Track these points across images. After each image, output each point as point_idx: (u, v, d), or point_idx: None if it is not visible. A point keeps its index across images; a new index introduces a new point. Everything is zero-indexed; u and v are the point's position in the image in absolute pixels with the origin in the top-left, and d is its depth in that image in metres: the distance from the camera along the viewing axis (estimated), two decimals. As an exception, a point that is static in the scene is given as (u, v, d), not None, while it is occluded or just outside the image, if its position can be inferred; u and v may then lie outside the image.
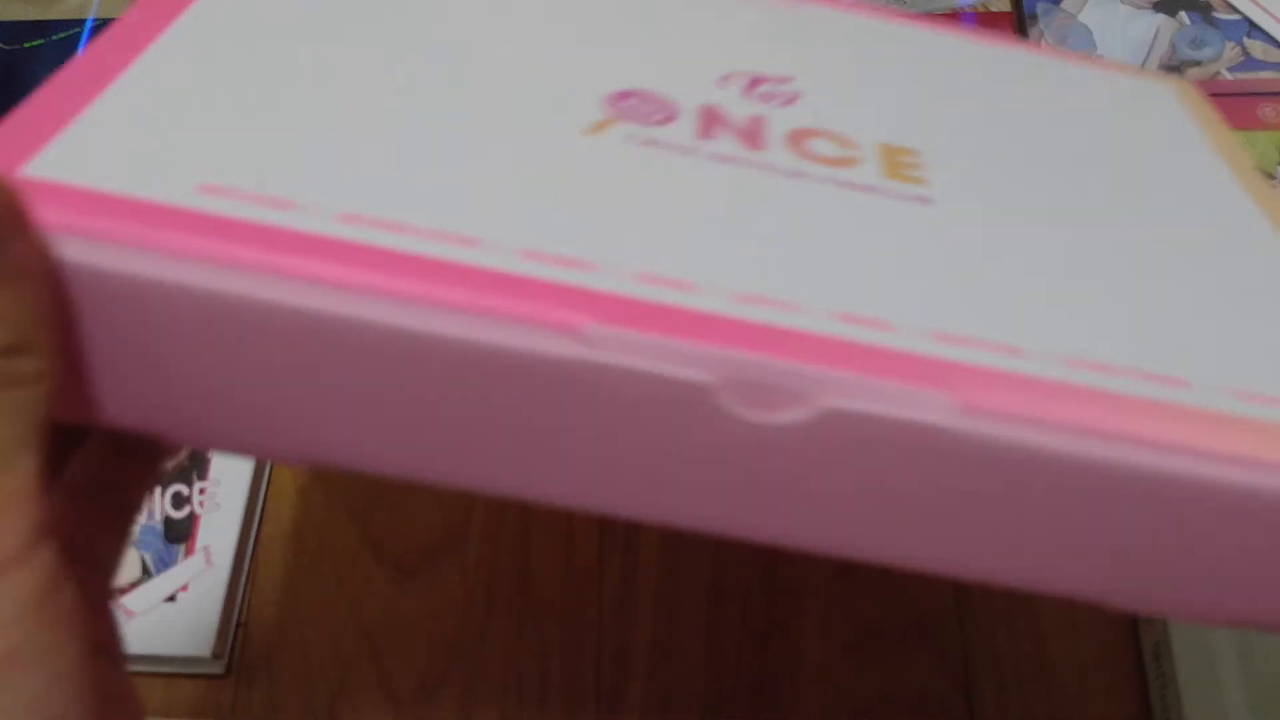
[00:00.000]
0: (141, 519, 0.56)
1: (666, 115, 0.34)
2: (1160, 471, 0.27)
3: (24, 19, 0.73)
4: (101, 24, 0.72)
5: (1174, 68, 0.67)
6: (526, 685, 0.52)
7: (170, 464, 0.57)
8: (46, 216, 0.24)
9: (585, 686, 0.52)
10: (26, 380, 0.21)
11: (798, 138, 0.35)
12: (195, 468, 0.57)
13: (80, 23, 0.72)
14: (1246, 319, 0.33)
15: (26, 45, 0.71)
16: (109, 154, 0.26)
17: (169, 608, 0.54)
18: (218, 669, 0.53)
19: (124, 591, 0.54)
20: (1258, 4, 0.69)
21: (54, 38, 0.72)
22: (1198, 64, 0.67)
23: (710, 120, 0.35)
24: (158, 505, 0.56)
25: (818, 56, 0.40)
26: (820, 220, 0.31)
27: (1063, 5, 0.70)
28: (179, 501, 0.56)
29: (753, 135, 0.34)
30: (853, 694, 0.51)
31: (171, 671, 0.53)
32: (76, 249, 0.23)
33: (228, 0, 0.33)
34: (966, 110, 0.40)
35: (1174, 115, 0.46)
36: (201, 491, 0.56)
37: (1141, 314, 0.32)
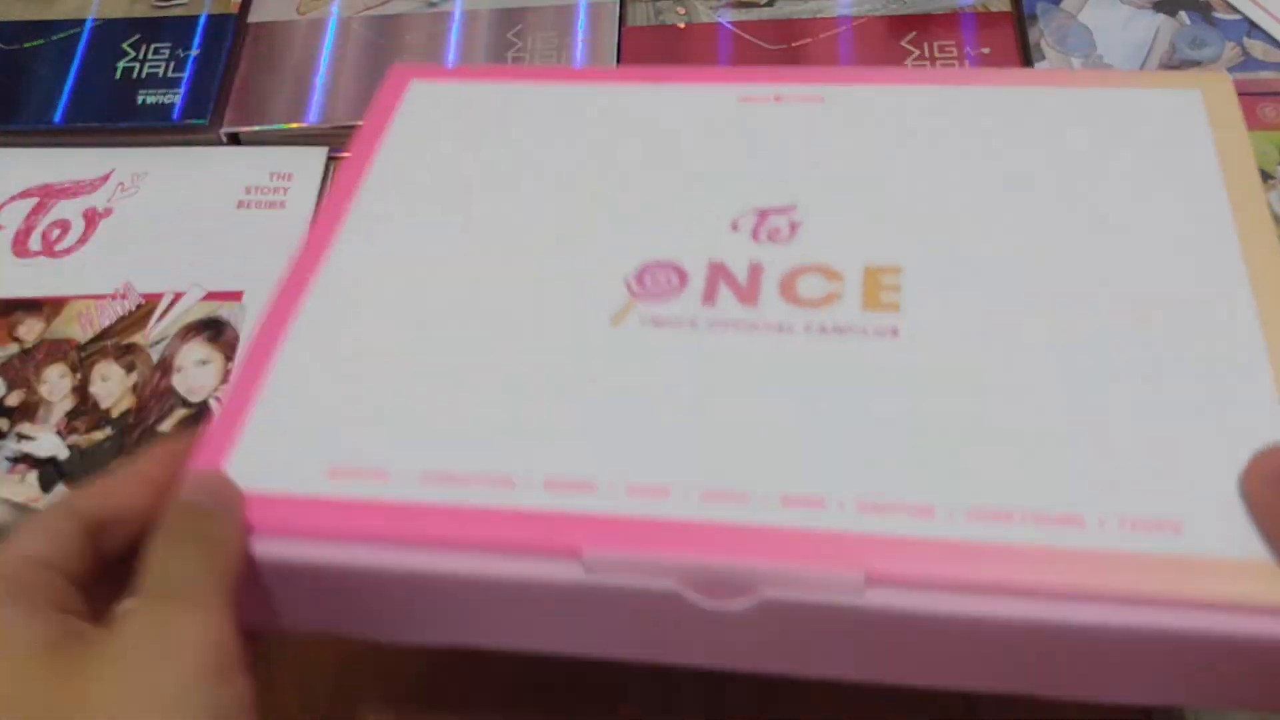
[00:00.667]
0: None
1: (678, 284, 0.43)
2: (1048, 620, 0.33)
3: (24, 19, 0.72)
4: (101, 24, 0.71)
5: (1173, 68, 0.66)
6: (527, 689, 0.52)
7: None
8: None
9: (588, 689, 0.51)
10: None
11: (790, 280, 0.42)
12: (194, 468, 0.56)
13: (80, 23, 0.72)
14: (1145, 443, 0.37)
15: (26, 45, 0.71)
16: (267, 459, 0.38)
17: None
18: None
19: (122, 592, 0.53)
20: (1257, 4, 0.68)
21: (54, 38, 0.71)
22: (1197, 64, 0.67)
23: (715, 278, 0.43)
24: (156, 505, 0.55)
25: (817, 179, 0.46)
26: (788, 390, 0.39)
27: (1062, 5, 0.70)
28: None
29: (751, 291, 0.42)
30: (854, 691, 0.50)
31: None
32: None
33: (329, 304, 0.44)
34: (953, 211, 0.44)
35: (1186, 151, 0.46)
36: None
37: (1047, 450, 0.37)
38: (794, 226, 0.45)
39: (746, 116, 0.49)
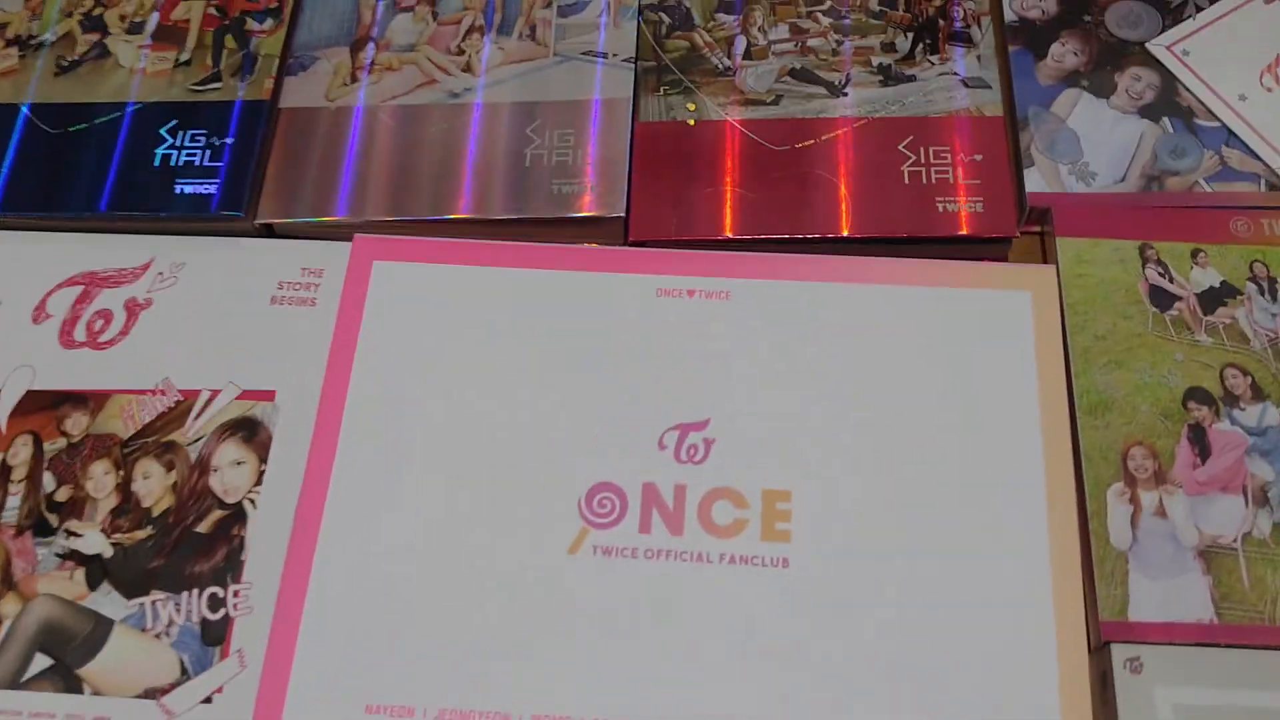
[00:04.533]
0: (179, 620, 0.56)
1: (620, 512, 0.55)
2: None
3: (67, 100, 0.72)
4: (140, 109, 0.71)
5: (1154, 177, 0.66)
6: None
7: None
8: None
9: None
10: None
11: (706, 505, 0.55)
12: (230, 570, 0.57)
13: (121, 106, 0.71)
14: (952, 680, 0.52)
15: (70, 129, 0.71)
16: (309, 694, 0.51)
17: (206, 709, 0.55)
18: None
19: (164, 692, 0.55)
20: (1236, 114, 0.68)
21: (96, 121, 0.71)
22: (1177, 174, 0.66)
23: (649, 503, 0.55)
24: (195, 607, 0.57)
25: (726, 390, 0.58)
26: (707, 615, 0.53)
27: (1052, 109, 0.69)
28: (215, 604, 0.57)
29: (677, 518, 0.54)
30: None
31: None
32: None
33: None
34: (823, 422, 0.57)
35: (1011, 348, 0.59)
36: (236, 594, 0.57)
37: (887, 682, 0.51)
38: (708, 445, 0.56)
39: (663, 312, 0.60)
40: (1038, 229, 0.67)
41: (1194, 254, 0.64)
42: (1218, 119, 0.68)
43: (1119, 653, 0.54)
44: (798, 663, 0.52)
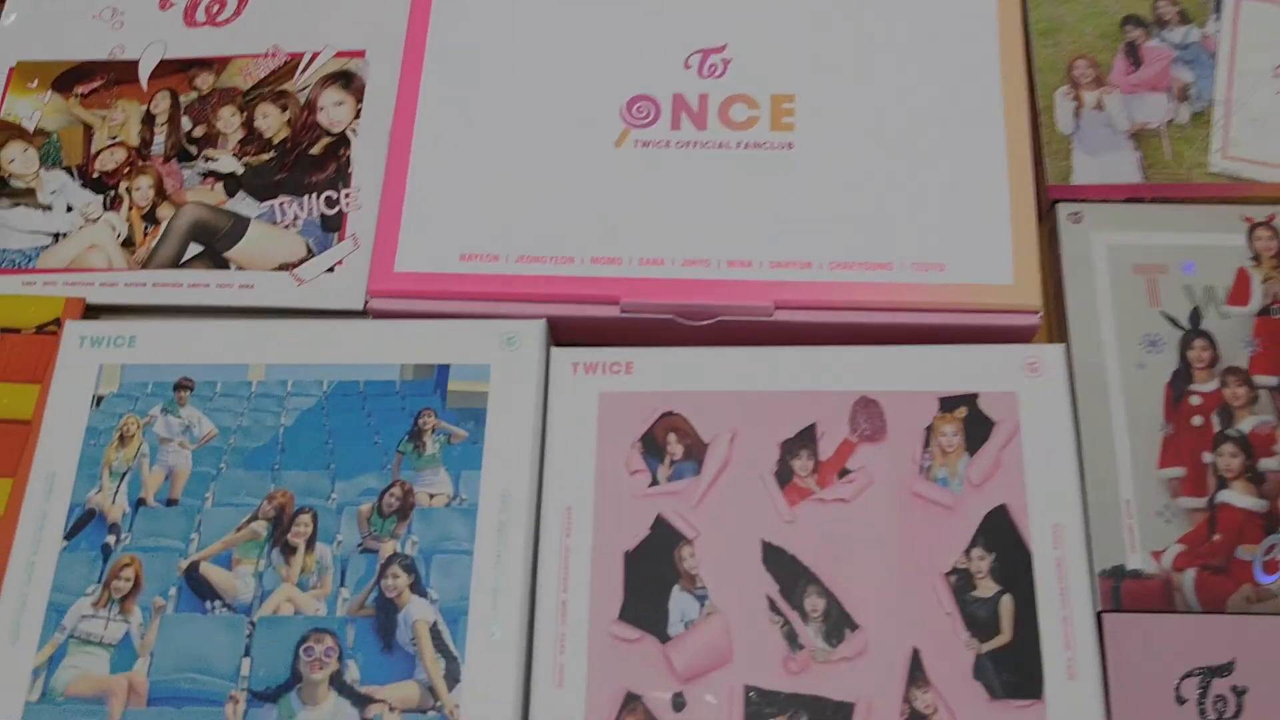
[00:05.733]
0: (303, 215, 0.69)
1: (655, 114, 0.67)
2: (870, 321, 0.63)
3: None
4: None
5: None
6: None
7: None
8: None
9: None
10: None
11: (725, 106, 0.67)
12: (340, 179, 0.70)
13: None
14: (928, 222, 0.64)
15: None
16: (416, 249, 0.65)
17: (328, 276, 0.67)
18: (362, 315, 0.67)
19: (294, 265, 0.67)
20: None
21: None
22: None
23: (678, 109, 0.67)
24: (314, 205, 0.69)
25: (741, 26, 0.69)
26: (728, 189, 0.65)
27: None
28: (330, 203, 0.69)
29: (701, 117, 0.67)
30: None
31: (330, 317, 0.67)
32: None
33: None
34: (821, 42, 0.68)
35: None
36: (347, 196, 0.69)
37: (874, 226, 0.64)
38: (726, 64, 0.68)
39: None
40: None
41: (1134, -88, 0.74)
42: None
43: (1063, 209, 0.66)
44: (799, 217, 0.64)
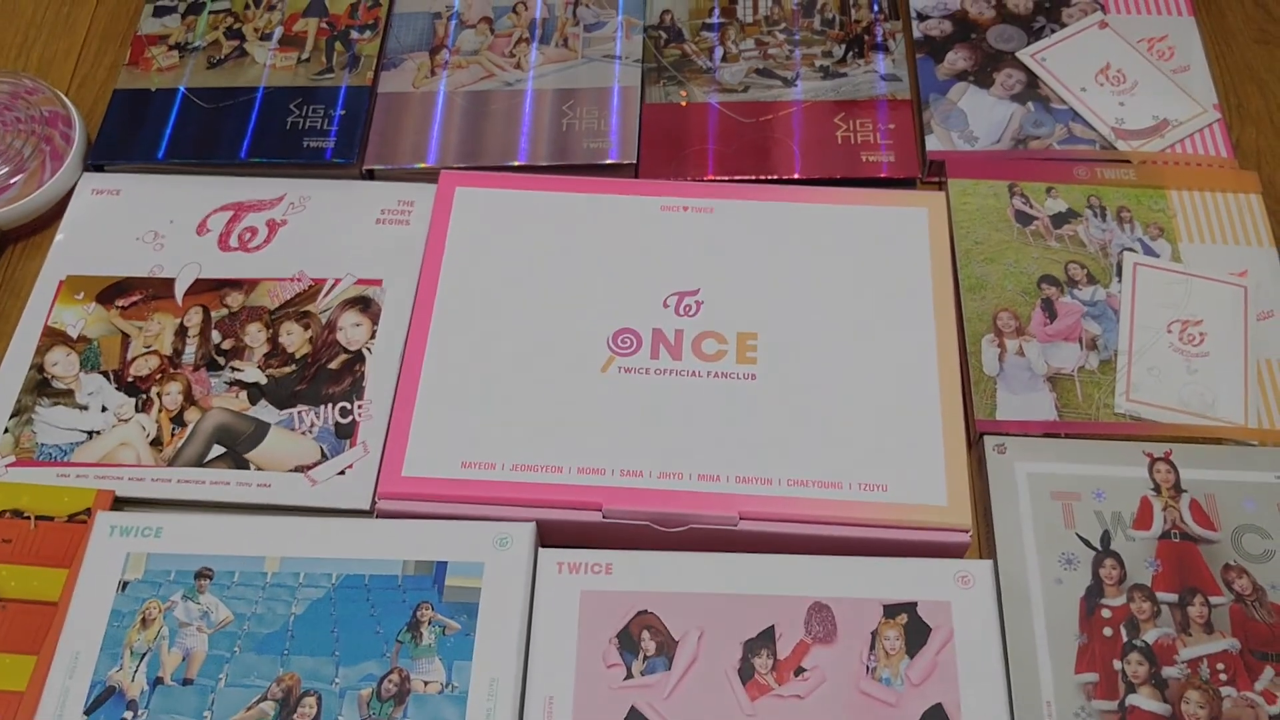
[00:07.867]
0: (319, 424, 0.75)
1: (636, 345, 0.75)
2: (822, 535, 0.70)
3: (216, 86, 0.92)
4: (271, 91, 0.92)
5: (1021, 140, 0.88)
6: None
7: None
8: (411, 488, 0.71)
9: (616, 530, 0.72)
10: None
11: (698, 341, 0.76)
12: (355, 392, 0.77)
13: (253, 90, 0.92)
14: (872, 448, 0.72)
15: (220, 105, 0.91)
16: (421, 456, 0.72)
17: (340, 479, 0.73)
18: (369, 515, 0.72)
19: (309, 468, 0.74)
20: (1079, 99, 0.90)
21: (239, 100, 0.92)
22: (1037, 138, 0.88)
23: (657, 341, 0.76)
24: (329, 415, 0.76)
25: (710, 271, 0.79)
26: (699, 413, 0.73)
27: (948, 96, 0.91)
28: (344, 413, 0.76)
29: (677, 349, 0.75)
30: (788, 535, 0.71)
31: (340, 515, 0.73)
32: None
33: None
34: (782, 289, 0.78)
35: (914, 246, 0.80)
36: (360, 407, 0.76)
37: (826, 450, 0.72)
38: (699, 305, 0.77)
39: (665, 221, 0.81)
40: (936, 180, 0.89)
41: (1048, 190, 0.85)
42: (1066, 104, 0.90)
43: (990, 441, 0.74)
44: (762, 439, 0.72)
